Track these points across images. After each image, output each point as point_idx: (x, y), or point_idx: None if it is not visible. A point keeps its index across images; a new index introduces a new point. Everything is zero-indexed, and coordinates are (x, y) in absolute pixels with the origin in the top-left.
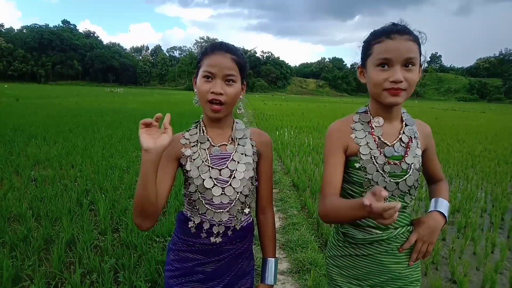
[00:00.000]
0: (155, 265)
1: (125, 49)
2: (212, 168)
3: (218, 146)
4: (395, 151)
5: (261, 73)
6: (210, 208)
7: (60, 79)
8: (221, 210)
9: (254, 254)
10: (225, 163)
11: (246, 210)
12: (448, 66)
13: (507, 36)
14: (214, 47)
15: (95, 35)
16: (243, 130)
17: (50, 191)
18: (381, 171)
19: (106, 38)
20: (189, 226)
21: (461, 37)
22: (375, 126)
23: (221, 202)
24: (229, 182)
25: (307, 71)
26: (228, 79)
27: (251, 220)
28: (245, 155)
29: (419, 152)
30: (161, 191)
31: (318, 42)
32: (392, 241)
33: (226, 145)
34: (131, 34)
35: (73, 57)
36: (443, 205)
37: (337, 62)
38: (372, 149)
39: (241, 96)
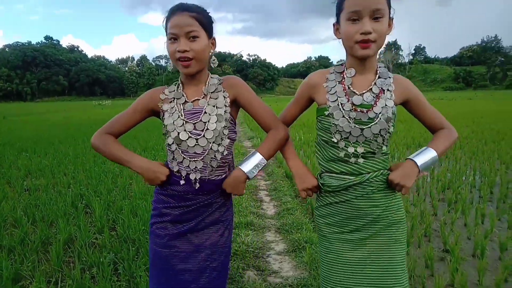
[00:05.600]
0: None
1: (111, 61)
2: (186, 122)
3: (191, 102)
4: (364, 100)
5: (248, 76)
6: (186, 157)
7: (46, 96)
8: (195, 159)
9: (232, 210)
10: (199, 117)
11: (219, 157)
12: (433, 57)
13: (488, 24)
14: (173, 10)
15: (79, 49)
16: (216, 84)
17: (44, 198)
18: (347, 117)
19: (90, 51)
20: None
21: (443, 27)
22: (346, 76)
23: (195, 152)
24: (203, 134)
25: (294, 71)
26: (190, 36)
27: (222, 177)
28: (217, 107)
29: (390, 103)
30: (120, 132)
31: (304, 41)
32: (366, 185)
33: (199, 99)
34: (115, 46)
35: (58, 72)
36: (422, 155)
37: (323, 60)
38: (340, 97)
39: (211, 51)
